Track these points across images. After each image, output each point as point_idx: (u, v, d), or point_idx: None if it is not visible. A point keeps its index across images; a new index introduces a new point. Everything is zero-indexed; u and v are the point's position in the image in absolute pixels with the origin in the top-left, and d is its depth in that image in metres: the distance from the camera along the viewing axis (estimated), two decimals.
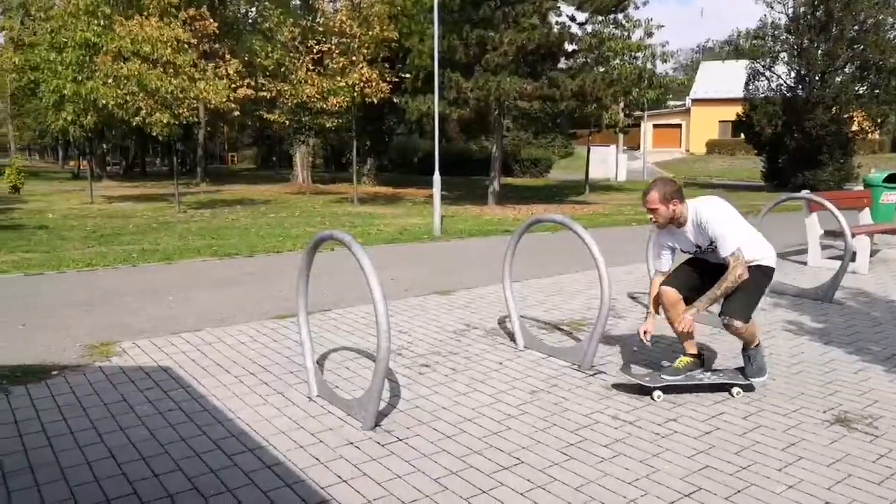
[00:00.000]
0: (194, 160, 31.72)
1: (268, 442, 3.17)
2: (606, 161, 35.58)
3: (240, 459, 2.99)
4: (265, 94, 22.16)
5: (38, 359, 4.37)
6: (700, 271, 3.98)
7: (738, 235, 3.73)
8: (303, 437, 3.22)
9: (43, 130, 34.65)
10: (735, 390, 3.83)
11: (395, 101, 21.84)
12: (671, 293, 3.88)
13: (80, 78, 17.89)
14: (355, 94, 19.09)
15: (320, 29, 20.93)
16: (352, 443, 3.17)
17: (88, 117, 18.66)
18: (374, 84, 18.90)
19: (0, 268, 7.93)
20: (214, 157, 50.16)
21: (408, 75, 24.76)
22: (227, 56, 26.42)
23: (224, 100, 19.21)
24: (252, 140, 53.23)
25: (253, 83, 23.46)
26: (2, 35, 31.46)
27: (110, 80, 16.96)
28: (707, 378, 3.89)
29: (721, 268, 3.75)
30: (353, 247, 3.23)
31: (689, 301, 3.86)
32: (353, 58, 18.93)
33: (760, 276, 3.84)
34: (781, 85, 25.44)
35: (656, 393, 3.74)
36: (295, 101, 21.44)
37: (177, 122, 17.80)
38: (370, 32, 18.99)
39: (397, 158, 39.12)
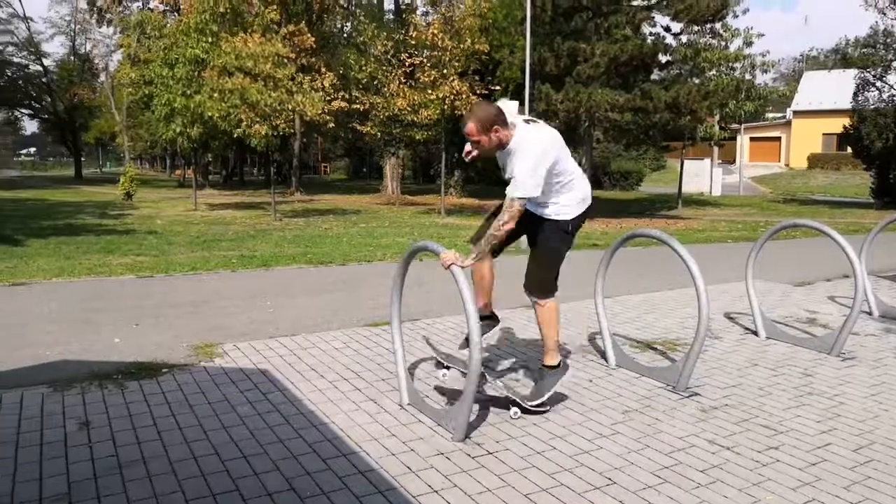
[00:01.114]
0: (290, 170, 32.95)
1: (360, 448, 3.25)
2: (700, 175, 34.46)
3: (334, 464, 3.08)
4: (358, 106, 22.76)
5: (150, 357, 4.64)
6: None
7: (531, 182, 3.35)
8: (394, 445, 3.28)
9: (154, 141, 36.93)
10: (513, 411, 3.63)
11: None
12: (484, 266, 3.81)
13: (188, 92, 18.97)
14: (445, 106, 19.33)
15: (412, 42, 21.35)
16: (442, 453, 3.20)
17: (195, 129, 19.74)
18: (464, 96, 19.08)
19: (115, 270, 8.49)
20: (308, 167, 51.94)
21: (497, 87, 24.87)
22: (323, 69, 27.34)
23: (319, 112, 19.88)
24: (344, 151, 54.81)
25: (347, 96, 24.14)
26: (121, 52, 33.81)
27: (215, 94, 17.89)
28: (493, 389, 3.78)
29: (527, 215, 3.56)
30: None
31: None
32: (444, 70, 19.19)
33: (555, 236, 3.64)
34: (894, 95, 23.90)
35: (442, 371, 4.02)
36: (386, 114, 21.93)
37: (274, 134, 18.59)
38: (461, 45, 19.21)
39: (484, 170, 39.28)
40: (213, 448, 3.23)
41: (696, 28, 20.33)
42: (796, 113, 46.38)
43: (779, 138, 47.95)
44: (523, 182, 3.36)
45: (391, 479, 2.95)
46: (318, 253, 10.52)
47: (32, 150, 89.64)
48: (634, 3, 19.51)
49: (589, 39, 18.50)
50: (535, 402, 3.62)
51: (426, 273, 7.97)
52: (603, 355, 4.75)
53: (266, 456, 3.15)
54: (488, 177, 38.84)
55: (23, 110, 49.50)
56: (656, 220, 19.82)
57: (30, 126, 61.60)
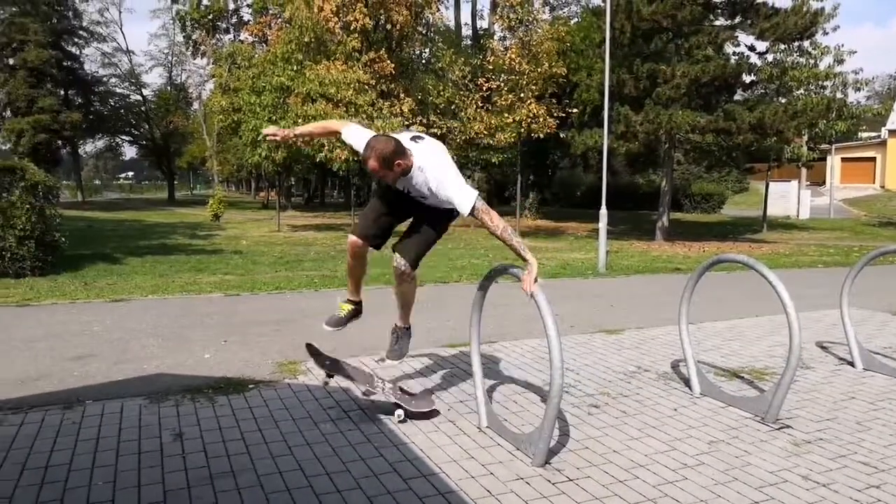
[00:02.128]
0: (368, 193, 33.66)
1: (440, 469, 3.27)
2: (787, 197, 33.07)
3: (415, 484, 3.11)
4: (436, 130, 23.10)
5: (238, 372, 4.83)
6: (391, 207, 3.74)
7: (466, 190, 3.39)
8: (474, 468, 3.29)
9: (240, 165, 38.57)
10: (398, 413, 3.77)
11: (560, 135, 21.87)
12: (359, 254, 3.83)
13: (274, 118, 19.77)
14: (522, 129, 19.38)
15: (490, 67, 21.56)
16: (522, 478, 3.18)
17: (279, 153, 20.51)
18: (541, 119, 19.09)
19: (204, 288, 8.88)
20: None
21: (574, 110, 24.74)
22: (402, 95, 27.96)
23: None
24: None
25: (424, 120, 24.56)
26: (213, 81, 35.62)
27: (300, 120, 18.56)
28: (379, 395, 3.87)
29: (419, 203, 3.61)
30: None
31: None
32: (522, 94, 19.27)
33: (447, 223, 3.71)
34: None
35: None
36: (463, 138, 22.16)
37: (355, 158, 19.07)
38: (539, 69, 19.28)
39: (560, 192, 39.02)
40: (298, 464, 3.32)
41: (782, 46, 19.67)
42: (892, 132, 43.94)
43: (873, 159, 45.46)
44: (465, 192, 3.41)
45: (471, 501, 2.95)
46: None
47: (130, 174, 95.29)
48: (717, 24, 19.08)
49: (669, 61, 18.20)
50: (397, 361, 4.00)
51: (504, 295, 7.97)
52: (687, 383, 4.62)
53: (348, 474, 3.21)
54: (565, 198, 38.57)
55: (123, 137, 52.72)
56: (740, 243, 19.13)
57: (129, 152, 65.53)
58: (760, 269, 3.95)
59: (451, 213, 3.65)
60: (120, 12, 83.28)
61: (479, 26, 32.89)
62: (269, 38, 31.06)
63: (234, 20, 42.14)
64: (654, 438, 3.72)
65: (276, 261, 12.64)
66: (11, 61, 39.67)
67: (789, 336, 3.78)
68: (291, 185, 42.08)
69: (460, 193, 3.39)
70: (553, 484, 3.13)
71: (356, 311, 3.98)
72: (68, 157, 47.78)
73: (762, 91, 20.22)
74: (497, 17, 24.98)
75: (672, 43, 18.57)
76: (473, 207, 3.38)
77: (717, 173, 37.47)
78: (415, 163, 3.41)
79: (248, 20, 39.17)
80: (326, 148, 18.32)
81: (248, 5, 40.27)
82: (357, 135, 3.59)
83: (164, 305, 7.61)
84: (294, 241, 17.60)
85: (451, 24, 33.79)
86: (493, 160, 22.71)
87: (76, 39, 43.81)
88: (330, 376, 4.06)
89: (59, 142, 42.08)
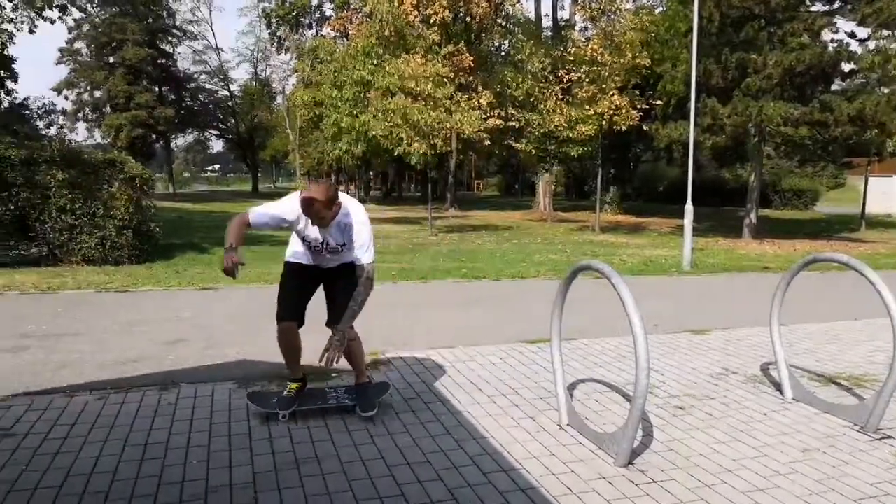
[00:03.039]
0: (445, 186, 33.88)
1: (520, 465, 3.25)
2: (889, 193, 31.15)
3: (495, 478, 3.11)
4: (514, 123, 22.96)
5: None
6: (305, 285, 3.92)
7: (373, 246, 3.71)
8: (554, 465, 3.25)
9: (321, 158, 39.53)
10: (364, 415, 3.82)
11: (643, 128, 21.33)
12: (294, 335, 3.87)
13: (354, 112, 20.14)
14: (604, 122, 19.00)
15: (570, 58, 21.24)
16: (604, 477, 3.13)
17: (359, 147, 20.89)
18: (623, 111, 18.66)
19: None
20: (462, 184, 53.07)
21: (658, 102, 24.05)
22: (480, 88, 27.91)
23: (476, 130, 20.29)
24: (497, 168, 55.42)
25: (503, 113, 24.44)
26: (296, 76, 36.67)
27: (379, 114, 18.83)
28: (335, 400, 3.97)
29: (327, 273, 3.84)
30: (613, 278, 3.21)
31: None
32: (604, 86, 18.88)
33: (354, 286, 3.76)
34: None
35: (281, 415, 3.78)
36: (542, 130, 21.92)
37: (433, 152, 19.21)
38: (622, 60, 18.82)
39: (641, 186, 38.07)
40: (380, 452, 3.38)
41: (886, 33, 18.44)
42: None
43: None
44: (372, 248, 3.70)
45: (552, 498, 2.92)
46: (473, 268, 10.70)
47: (217, 166, 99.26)
48: (813, 9, 18.09)
49: (761, 49, 17.38)
50: (375, 410, 3.88)
51: (585, 292, 7.86)
52: (778, 387, 4.42)
53: (429, 465, 3.24)
54: (647, 192, 37.60)
55: (211, 131, 55.01)
56: (835, 242, 18.14)
57: (216, 145, 68.22)
58: (861, 269, 3.73)
59: (351, 274, 3.77)
60: (210, 11, 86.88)
61: (559, 17, 32.37)
62: (350, 32, 31.67)
63: (316, 16, 43.19)
64: (742, 443, 3.57)
65: None
66: (111, 59, 41.99)
67: (893, 341, 3.56)
68: (370, 179, 42.78)
69: (371, 245, 3.70)
70: (636, 485, 3.06)
71: (303, 387, 4.02)
72: (161, 151, 50.21)
73: (863, 81, 19.03)
74: (579, 8, 24.58)
75: (764, 31, 17.70)
76: (372, 262, 3.71)
77: (811, 168, 35.66)
78: (343, 207, 3.63)
79: (331, 15, 40.06)
80: (405, 141, 18.50)
81: (330, 1, 41.15)
82: (267, 206, 3.74)
83: (248, 294, 7.89)
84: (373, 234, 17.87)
85: (531, 15, 33.46)
86: (573, 153, 22.34)
87: (170, 38, 45.90)
88: (305, 384, 4.07)
89: (154, 136, 44.34)
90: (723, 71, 17.54)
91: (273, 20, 42.81)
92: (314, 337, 4.03)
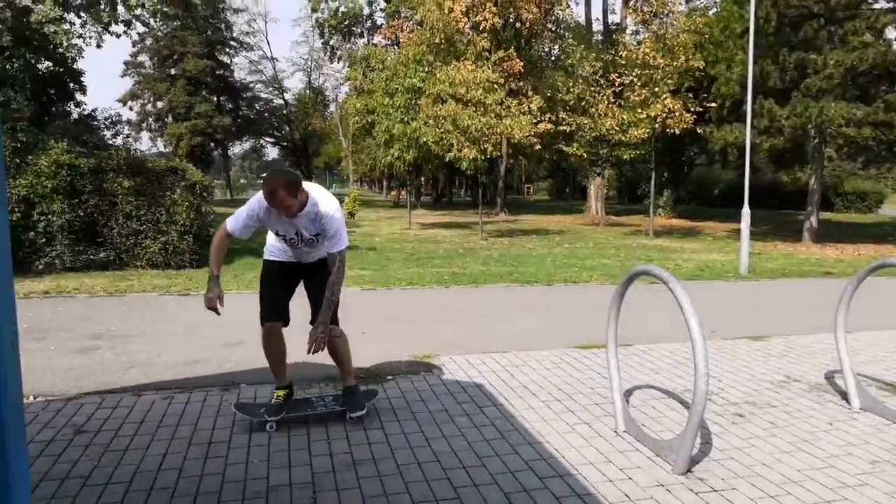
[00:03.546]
0: (495, 191, 33.84)
1: (576, 471, 3.24)
2: None
3: (551, 483, 3.10)
4: (565, 127, 22.81)
5: (376, 364, 5.03)
6: (284, 283, 3.94)
7: (347, 235, 3.68)
8: (611, 472, 3.23)
9: (373, 165, 40.04)
10: (351, 416, 3.83)
11: (697, 131, 20.91)
12: (279, 337, 3.91)
13: (405, 119, 20.31)
14: (656, 125, 18.71)
15: (622, 62, 21.00)
16: (662, 485, 3.09)
17: (410, 153, 21.06)
18: (676, 115, 18.34)
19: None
20: (512, 188, 52.95)
21: (713, 104, 23.56)
22: (530, 93, 27.81)
23: (526, 135, 20.23)
24: (547, 172, 55.09)
25: (553, 118, 24.31)
26: (348, 84, 37.25)
27: (430, 121, 18.95)
28: (324, 407, 3.94)
29: (305, 268, 3.85)
30: (671, 283, 3.17)
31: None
32: (656, 89, 18.61)
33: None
34: None
35: (269, 425, 3.73)
36: (593, 134, 21.72)
37: (483, 157, 19.22)
38: (674, 63, 18.52)
39: (695, 190, 37.28)
40: (435, 455, 3.41)
41: None
42: None
43: None
44: (345, 235, 3.67)
45: None
46: (524, 272, 10.66)
47: None
48: (876, 7, 17.44)
49: (820, 49, 16.84)
50: (361, 412, 3.87)
51: (639, 297, 7.75)
52: (844, 396, 4.28)
53: (484, 469, 3.25)
54: (701, 196, 36.82)
55: (266, 139, 56.35)
56: None
57: (271, 152, 69.77)
58: None
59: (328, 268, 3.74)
60: (266, 22, 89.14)
61: (610, 21, 32.11)
62: (401, 40, 32.02)
63: (368, 24, 43.84)
64: (807, 453, 3.48)
65: (407, 257, 12.99)
66: (173, 71, 43.47)
67: None
68: (421, 184, 43.10)
69: (343, 233, 3.66)
70: (696, 493, 3.01)
71: (290, 394, 3.98)
72: (219, 158, 51.64)
73: None
74: (630, 11, 24.31)
75: (824, 30, 17.16)
76: (345, 249, 3.68)
77: (875, 170, 34.25)
78: (311, 196, 3.61)
79: (382, 24, 40.60)
80: (455, 147, 18.58)
81: (381, 9, 41.72)
82: (240, 210, 3.72)
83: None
84: (424, 239, 18.01)
85: (582, 19, 33.26)
86: (625, 157, 22.05)
87: (227, 49, 47.25)
88: (292, 392, 4.05)
89: (212, 144, 45.66)
90: (781, 72, 17.08)
91: (326, 30, 43.65)
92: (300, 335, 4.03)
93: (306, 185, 3.63)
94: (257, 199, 3.60)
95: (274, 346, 3.94)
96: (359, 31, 44.05)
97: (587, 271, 10.86)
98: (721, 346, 5.74)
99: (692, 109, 19.33)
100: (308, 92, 53.92)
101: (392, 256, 13.07)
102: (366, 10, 43.29)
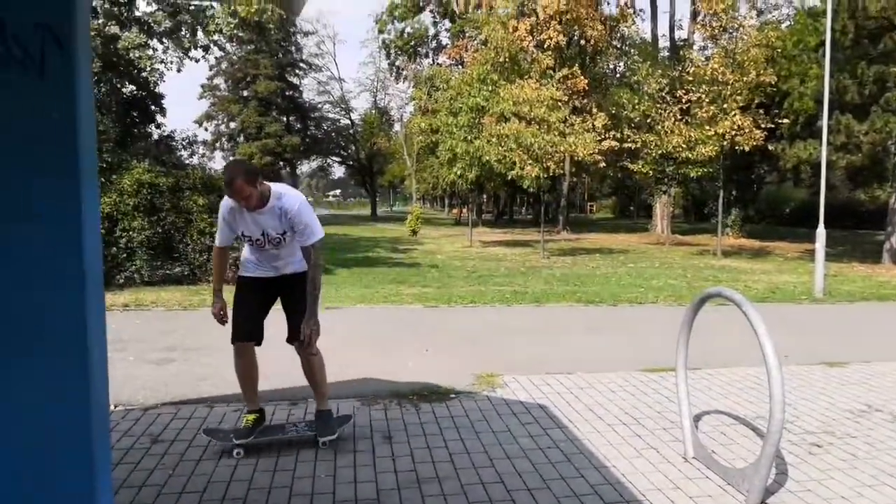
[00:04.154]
0: (557, 209, 33.62)
1: (644, 497, 3.17)
2: None
3: None
4: (630, 145, 22.53)
5: (439, 381, 5.05)
6: (259, 300, 3.82)
7: (319, 225, 3.62)
8: (680, 499, 3.15)
9: (435, 183, 40.40)
10: (322, 441, 3.76)
11: (768, 148, 20.30)
12: (251, 357, 3.82)
13: (469, 138, 20.46)
14: (725, 142, 18.26)
15: (689, 78, 20.63)
16: None
17: (473, 171, 21.17)
18: (746, 131, 17.86)
19: (405, 299, 9.40)
20: (575, 206, 52.48)
21: (785, 120, 22.85)
22: (595, 110, 27.59)
23: (591, 152, 20.08)
24: (611, 190, 54.38)
25: (618, 135, 24.05)
26: (413, 104, 37.83)
27: (493, 139, 19.04)
28: (295, 432, 3.86)
29: (281, 284, 3.76)
30: (744, 306, 3.09)
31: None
32: (725, 105, 18.18)
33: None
34: None
35: (236, 451, 3.64)
36: (659, 152, 21.36)
37: (546, 175, 19.17)
38: (745, 78, 18.07)
39: (765, 209, 36.09)
40: (499, 476, 3.40)
41: None
42: None
43: None
44: (317, 226, 3.61)
45: None
46: (588, 292, 10.54)
47: (338, 191, 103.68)
48: None
49: None
50: (332, 437, 3.79)
51: (706, 320, 7.55)
52: None
53: (549, 491, 3.22)
54: (771, 215, 35.62)
55: (333, 158, 57.64)
56: None
57: (337, 171, 71.29)
58: None
59: (305, 283, 3.66)
60: (334, 44, 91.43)
61: (677, 37, 31.58)
62: (465, 60, 32.33)
63: (433, 45, 44.46)
64: (891, 488, 3.31)
65: (469, 275, 13.03)
66: (245, 93, 45.12)
67: None
68: (483, 202, 43.21)
69: (315, 223, 3.62)
70: None
71: (261, 419, 3.86)
72: (287, 177, 53.06)
73: None
74: (698, 26, 23.86)
75: None
76: (320, 240, 3.63)
77: None
78: (273, 191, 3.57)
79: (447, 44, 41.11)
80: (518, 165, 18.60)
81: (446, 30, 42.29)
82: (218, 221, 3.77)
83: (370, 314, 8.17)
84: (485, 257, 18.02)
85: (648, 36, 32.85)
86: (692, 174, 21.57)
87: (297, 71, 48.73)
88: (263, 417, 3.94)
89: (281, 163, 47.04)
90: (859, 86, 16.46)
91: (392, 50, 44.51)
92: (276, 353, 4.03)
93: (273, 185, 3.62)
94: (222, 203, 3.66)
95: (245, 366, 3.84)
96: (424, 51, 44.73)
97: (653, 292, 10.64)
98: (796, 373, 5.53)
99: (763, 126, 18.80)
100: (374, 112, 54.98)
101: (453, 274, 13.13)
102: (431, 31, 43.97)
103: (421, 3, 41.80)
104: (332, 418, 3.95)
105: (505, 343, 6.55)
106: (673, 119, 19.91)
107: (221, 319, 3.83)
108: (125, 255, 9.91)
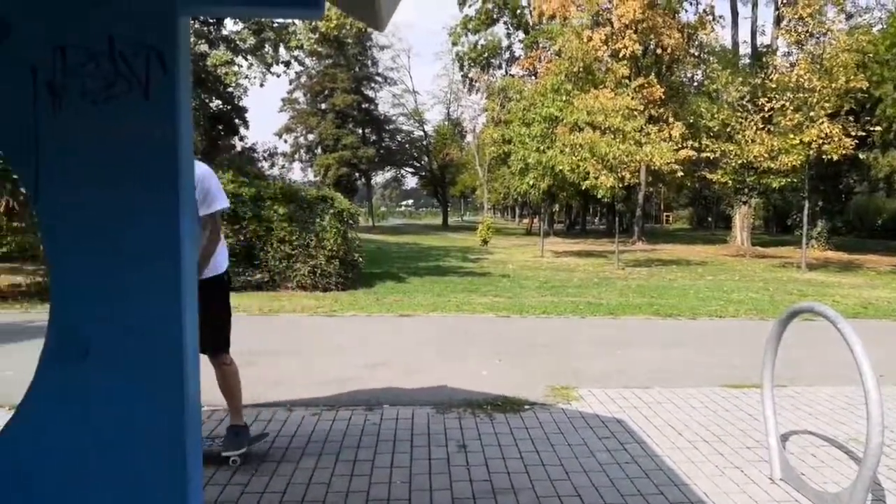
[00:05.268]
0: (631, 219, 32.97)
1: None
2: None
3: None
4: (708, 154, 21.92)
5: (512, 392, 5.03)
6: None
7: (224, 194, 3.45)
8: None
9: (506, 193, 40.35)
10: (232, 459, 3.62)
11: (859, 156, 19.31)
12: None
13: (542, 148, 20.35)
14: (811, 151, 17.49)
15: (772, 85, 19.89)
16: None
17: (545, 181, 21.03)
18: (835, 139, 17.05)
19: (477, 308, 9.41)
20: (650, 216, 51.35)
21: (877, 128, 21.72)
22: (671, 119, 26.97)
23: (667, 161, 19.61)
24: (688, 200, 52.94)
25: (696, 144, 23.43)
26: (485, 115, 38.01)
27: (566, 149, 18.86)
28: (209, 444, 3.69)
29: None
30: (839, 323, 2.95)
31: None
32: (811, 113, 17.43)
33: (219, 292, 3.55)
34: None
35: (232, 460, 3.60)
36: (739, 161, 20.67)
37: (620, 185, 18.83)
38: (833, 84, 17.27)
39: (854, 220, 34.31)
40: (576, 490, 3.35)
41: None
42: None
43: None
44: (222, 195, 3.46)
45: None
46: (665, 305, 10.26)
47: (410, 201, 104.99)
48: None
49: None
50: (238, 451, 3.63)
51: (792, 335, 7.23)
52: None
53: None
54: (860, 227, 33.84)
55: (407, 168, 58.48)
56: None
57: (410, 181, 72.19)
58: None
59: (218, 283, 3.62)
60: (409, 57, 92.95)
61: (759, 43, 30.53)
62: (538, 70, 32.24)
63: (506, 56, 44.55)
64: None
65: (541, 285, 12.92)
66: (323, 106, 46.42)
67: None
68: (554, 212, 42.84)
69: (221, 192, 3.48)
70: None
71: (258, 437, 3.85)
72: (362, 187, 54.13)
73: None
74: (782, 31, 23.00)
75: None
76: (223, 210, 3.51)
77: None
78: None
79: (520, 55, 41.11)
80: (592, 175, 18.35)
81: (519, 41, 42.31)
82: None
83: (442, 322, 8.22)
84: (557, 267, 17.83)
85: (727, 42, 31.91)
86: (774, 184, 20.75)
87: (373, 84, 49.76)
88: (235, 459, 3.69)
89: (357, 174, 48.03)
90: None
91: (465, 62, 44.83)
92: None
93: None
94: None
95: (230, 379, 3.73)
96: (497, 62, 44.89)
97: (733, 305, 10.27)
98: (892, 394, 5.22)
99: (853, 134, 17.90)
100: (446, 123, 55.46)
101: (525, 284, 13.05)
102: (504, 43, 44.09)
103: (495, 16, 41.99)
104: (244, 434, 3.75)
105: (579, 355, 6.46)
106: (754, 128, 19.23)
107: None
108: None
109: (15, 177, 8.54)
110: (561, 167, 19.12)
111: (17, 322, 7.61)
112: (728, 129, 21.60)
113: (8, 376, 5.27)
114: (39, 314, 3.21)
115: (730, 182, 22.68)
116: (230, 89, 19.20)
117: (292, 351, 6.51)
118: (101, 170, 1.98)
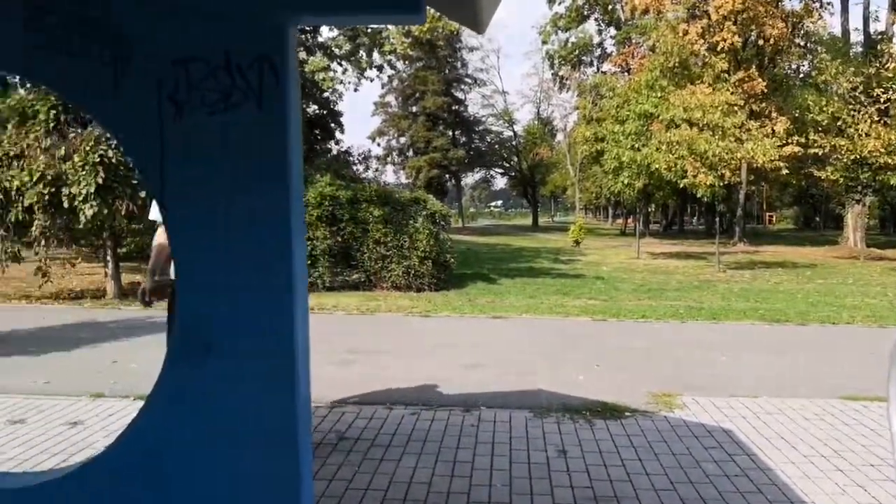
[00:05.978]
0: (732, 220, 31.60)
1: None
2: None
3: None
4: (816, 150, 20.72)
5: (612, 398, 4.92)
6: None
7: None
8: None
9: (598, 193, 39.60)
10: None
11: None
12: None
13: (636, 146, 19.84)
14: None
15: (889, 75, 18.59)
16: None
17: (640, 180, 20.49)
18: None
19: (571, 311, 9.29)
20: (752, 216, 49.09)
21: None
22: (774, 114, 25.65)
23: (771, 159, 18.69)
24: (793, 199, 50.23)
25: (802, 140, 22.20)
26: (576, 113, 37.45)
27: (663, 146, 18.30)
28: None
29: None
30: None
31: None
32: None
33: None
34: None
35: None
36: (852, 157, 19.43)
37: (720, 183, 18.09)
38: None
39: None
40: (682, 501, 3.24)
41: None
42: None
43: None
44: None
45: None
46: (771, 309, 9.78)
47: (499, 202, 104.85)
48: None
49: None
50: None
51: None
52: None
53: None
54: None
55: (496, 169, 58.43)
56: None
57: (499, 182, 72.12)
58: None
59: None
60: (498, 58, 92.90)
61: (873, 30, 28.55)
62: (631, 67, 31.44)
63: (598, 53, 43.72)
64: None
65: (637, 288, 12.60)
66: (414, 109, 47.11)
67: None
68: (650, 212, 41.67)
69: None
70: None
71: None
72: (452, 188, 54.55)
73: None
74: None
75: None
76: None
77: None
78: None
79: (612, 52, 40.24)
80: (690, 173, 17.72)
81: (611, 37, 41.41)
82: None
83: (536, 325, 8.16)
84: (654, 269, 17.33)
85: (836, 30, 30.02)
86: (892, 181, 19.38)
87: (462, 86, 50.01)
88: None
89: (447, 175, 48.46)
90: None
91: (556, 61, 44.33)
92: None
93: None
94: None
95: None
96: (588, 60, 44.11)
97: (847, 311, 9.66)
98: None
99: None
100: (536, 122, 55.04)
101: (620, 287, 12.76)
102: (595, 39, 43.26)
103: (585, 13, 41.27)
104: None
105: (680, 361, 6.25)
106: (869, 121, 18.04)
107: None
108: (309, 262, 10.69)
109: (134, 181, 9.14)
110: (657, 165, 18.57)
111: (139, 317, 8.16)
112: (838, 123, 20.39)
113: (133, 369, 5.66)
114: (157, 311, 3.44)
115: (841, 179, 21.37)
116: (326, 94, 19.80)
117: (390, 350, 6.65)
118: (220, 176, 2.10)
